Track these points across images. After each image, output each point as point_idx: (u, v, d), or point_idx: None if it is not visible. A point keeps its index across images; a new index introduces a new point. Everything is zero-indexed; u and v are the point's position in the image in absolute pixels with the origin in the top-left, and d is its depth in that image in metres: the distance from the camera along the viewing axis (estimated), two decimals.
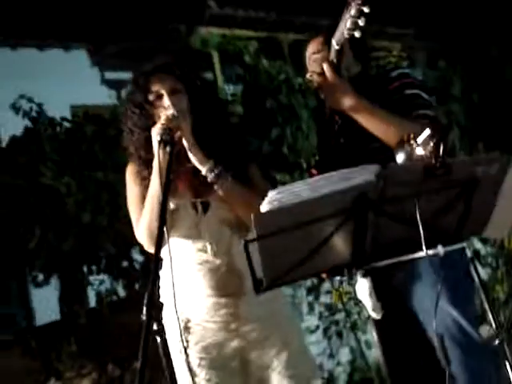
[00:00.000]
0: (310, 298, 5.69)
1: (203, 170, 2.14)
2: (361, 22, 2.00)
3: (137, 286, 5.10)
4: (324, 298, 5.82)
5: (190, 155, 2.15)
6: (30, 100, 5.24)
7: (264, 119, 5.75)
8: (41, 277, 5.13)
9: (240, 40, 6.46)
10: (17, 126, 5.31)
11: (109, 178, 4.59)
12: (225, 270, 2.18)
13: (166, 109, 2.16)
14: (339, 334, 5.72)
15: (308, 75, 2.43)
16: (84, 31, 9.19)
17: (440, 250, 2.09)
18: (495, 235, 2.10)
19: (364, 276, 1.88)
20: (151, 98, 2.19)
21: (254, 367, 2.21)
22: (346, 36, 2.05)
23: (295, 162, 5.77)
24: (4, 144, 5.23)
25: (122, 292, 5.06)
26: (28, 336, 4.61)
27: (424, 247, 1.68)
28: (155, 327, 1.66)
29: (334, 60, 2.17)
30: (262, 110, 5.76)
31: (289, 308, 2.43)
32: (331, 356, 5.64)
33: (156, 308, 1.66)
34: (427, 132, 1.69)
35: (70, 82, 8.71)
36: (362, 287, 1.88)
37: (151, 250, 2.11)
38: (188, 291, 2.20)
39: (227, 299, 2.18)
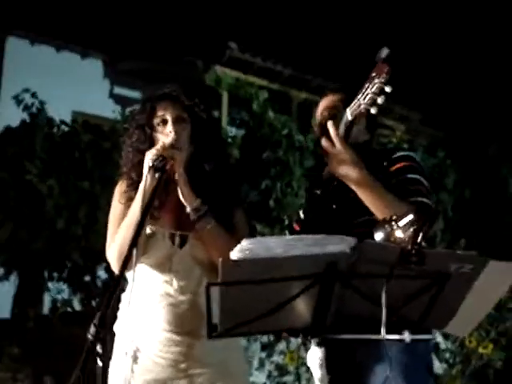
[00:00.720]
0: (263, 355, 5.63)
1: (188, 207, 2.14)
2: (380, 100, 2.02)
3: (94, 303, 5.01)
4: (277, 358, 5.76)
5: (178, 189, 2.15)
6: (34, 95, 5.24)
7: (258, 169, 5.78)
8: (1, 271, 5.05)
9: (252, 87, 6.54)
10: (16, 118, 5.31)
11: (94, 190, 4.57)
12: (186, 308, 2.14)
13: (167, 135, 2.17)
14: None
15: (317, 123, 2.44)
16: (104, 42, 9.29)
17: (407, 336, 2.09)
18: (458, 332, 2.08)
19: (318, 345, 1.85)
20: (155, 122, 2.21)
21: None
22: (363, 110, 2.07)
23: (278, 216, 5.78)
24: None
25: (77, 305, 4.97)
26: None
27: (383, 330, 1.66)
28: (98, 349, 1.62)
29: (343, 128, 2.18)
30: (258, 159, 5.79)
31: (243, 360, 2.37)
32: None
33: (104, 329, 1.63)
34: (410, 217, 1.70)
35: (78, 88, 8.74)
36: (314, 356, 1.85)
37: (117, 270, 2.09)
38: (145, 321, 2.17)
39: (182, 338, 2.14)
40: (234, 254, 1.58)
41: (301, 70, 9.40)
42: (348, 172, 2.09)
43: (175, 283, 2.15)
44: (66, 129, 5.42)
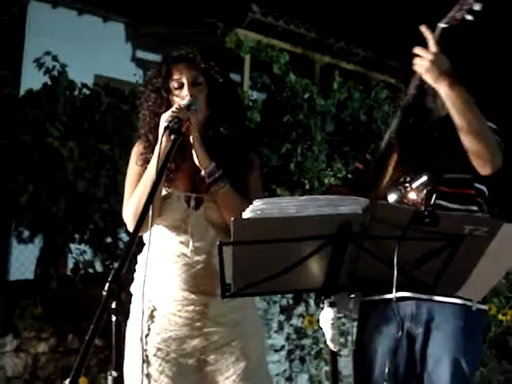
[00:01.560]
0: (282, 318, 5.69)
1: (203, 171, 2.15)
2: (477, 7, 2.00)
3: (115, 265, 5.09)
4: (295, 321, 5.81)
5: (193, 151, 2.15)
6: (55, 58, 5.24)
7: (278, 132, 5.76)
8: (26, 233, 5.13)
9: (273, 50, 6.48)
10: (37, 81, 5.33)
11: (114, 153, 4.60)
12: (201, 268, 2.17)
13: (183, 98, 2.17)
14: (302, 360, 5.71)
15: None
16: (126, 6, 9.24)
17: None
18: (470, 297, 2.09)
19: (331, 305, 1.87)
20: (172, 85, 2.20)
21: (210, 369, 2.20)
22: (459, 17, 2.04)
23: (299, 180, 5.78)
24: (20, 96, 5.24)
25: (99, 267, 5.05)
26: None
27: (394, 291, 1.67)
28: (113, 306, 1.65)
29: (437, 41, 2.14)
30: (279, 122, 5.77)
31: (258, 321, 2.39)
32: (289, 379, 5.63)
33: (119, 287, 1.65)
34: (423, 179, 1.69)
35: (100, 52, 8.74)
36: (326, 316, 1.87)
37: (133, 230, 2.12)
38: (161, 280, 2.20)
39: (197, 296, 2.17)
40: (246, 214, 1.59)
41: (324, 34, 9.27)
42: (441, 77, 2.07)
43: (190, 244, 2.17)
44: (88, 92, 5.44)
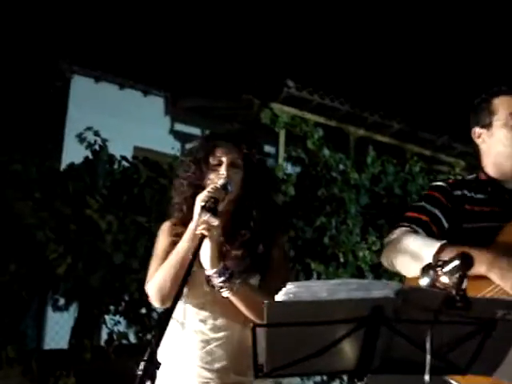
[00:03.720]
0: None
1: (210, 272, 2.15)
2: None
3: (149, 336, 5.10)
4: None
5: (202, 253, 2.12)
6: (96, 133, 5.44)
7: (313, 206, 5.81)
8: (62, 301, 5.20)
9: (307, 124, 6.60)
10: (79, 155, 5.52)
11: (151, 226, 4.69)
12: (218, 346, 2.20)
13: (219, 176, 2.23)
14: None
15: None
16: (165, 80, 9.56)
17: None
18: (505, 378, 2.05)
19: None
20: (212, 161, 2.27)
21: None
22: None
23: (333, 253, 5.78)
24: (62, 169, 5.42)
25: (132, 338, 5.07)
26: (31, 358, 4.64)
27: (427, 376, 1.66)
28: None
29: None
30: (313, 196, 5.83)
31: None
32: None
33: (154, 365, 1.68)
34: (456, 262, 1.70)
35: (140, 124, 9.00)
36: None
37: (156, 304, 2.18)
38: (181, 356, 2.22)
39: (213, 374, 2.18)
40: (279, 297, 1.62)
41: (358, 107, 9.43)
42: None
43: (209, 321, 2.21)
44: (127, 165, 5.59)
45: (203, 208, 2.09)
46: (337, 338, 1.72)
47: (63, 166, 5.70)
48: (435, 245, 2.14)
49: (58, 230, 4.63)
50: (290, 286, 1.60)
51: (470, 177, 2.53)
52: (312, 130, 6.21)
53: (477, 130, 2.48)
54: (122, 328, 5.12)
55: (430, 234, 2.28)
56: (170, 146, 8.36)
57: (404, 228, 2.31)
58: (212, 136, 2.36)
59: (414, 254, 2.16)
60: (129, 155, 6.18)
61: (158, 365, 1.70)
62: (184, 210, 2.27)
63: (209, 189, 2.16)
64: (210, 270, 2.15)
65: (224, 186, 2.19)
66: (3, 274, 4.56)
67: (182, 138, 9.61)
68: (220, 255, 2.18)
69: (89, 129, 5.43)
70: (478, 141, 2.49)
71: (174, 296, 1.87)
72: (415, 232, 2.27)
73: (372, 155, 6.65)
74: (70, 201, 4.74)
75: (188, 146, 6.50)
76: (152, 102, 9.76)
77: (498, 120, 2.40)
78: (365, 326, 1.70)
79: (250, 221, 2.27)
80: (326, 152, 6.17)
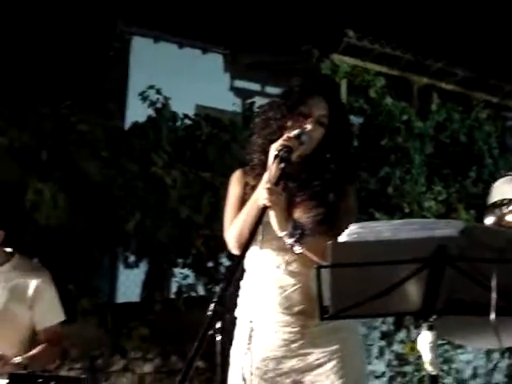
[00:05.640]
0: (383, 343, 5.62)
1: (281, 233, 2.18)
2: None
3: (217, 288, 5.23)
4: (396, 347, 5.72)
5: (274, 211, 2.14)
6: (158, 92, 5.51)
7: (376, 156, 5.74)
8: (132, 259, 5.37)
9: (369, 73, 6.49)
10: (141, 113, 5.61)
11: (214, 181, 4.76)
12: (295, 290, 2.22)
13: (299, 129, 2.21)
14: None
15: None
16: (223, 37, 9.53)
17: None
18: None
19: (430, 329, 1.87)
20: (297, 112, 2.25)
21: None
22: None
23: (398, 204, 5.73)
24: (126, 128, 5.54)
25: (201, 290, 5.20)
26: (105, 310, 4.84)
27: (492, 313, 1.65)
28: (218, 325, 1.73)
29: None
30: (377, 146, 5.76)
31: (358, 344, 2.38)
32: None
33: (223, 307, 1.73)
34: None
35: (200, 82, 9.04)
36: (425, 340, 1.87)
37: (234, 251, 2.23)
38: (259, 303, 2.27)
39: (293, 318, 2.22)
40: (343, 238, 1.64)
41: (421, 55, 9.17)
42: None
43: (284, 267, 2.24)
44: (189, 122, 5.66)
45: (276, 156, 2.11)
46: (401, 279, 1.73)
47: (126, 125, 5.81)
48: None
49: (125, 187, 4.76)
50: (353, 227, 1.62)
51: None
52: (374, 79, 6.10)
53: None
54: (190, 281, 5.25)
55: None
56: (230, 103, 8.37)
57: None
58: (308, 85, 2.31)
59: None
60: (190, 114, 6.23)
61: (228, 307, 1.76)
62: (257, 162, 2.28)
63: (284, 137, 2.17)
64: (280, 233, 2.18)
65: (299, 137, 2.18)
66: (75, 231, 4.73)
67: (242, 94, 9.60)
68: (290, 209, 2.21)
69: (151, 87, 5.50)
70: None
71: (245, 244, 1.92)
72: None
73: (437, 102, 6.49)
74: (135, 158, 4.85)
75: (248, 101, 6.49)
76: (211, 59, 9.76)
77: None
78: (429, 265, 1.70)
79: (326, 173, 2.26)
80: (389, 101, 6.06)
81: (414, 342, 5.39)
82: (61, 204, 4.42)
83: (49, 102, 5.13)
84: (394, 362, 5.61)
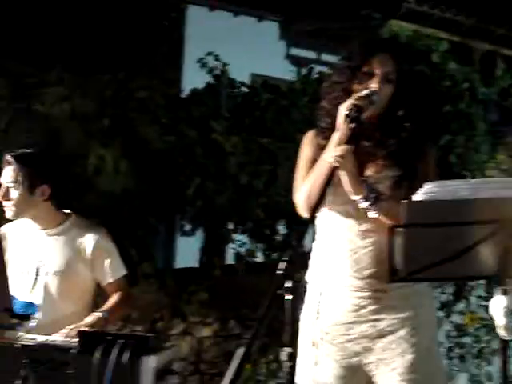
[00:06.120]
0: (441, 314, 5.54)
1: (354, 196, 2.16)
2: None
3: (274, 256, 5.25)
4: (455, 318, 5.65)
5: (342, 173, 2.13)
6: (217, 58, 5.50)
7: (438, 123, 5.60)
8: (188, 227, 5.42)
9: (430, 38, 6.31)
10: (199, 80, 5.62)
11: (273, 147, 4.75)
12: (367, 253, 2.19)
13: (369, 88, 2.18)
14: (462, 358, 5.55)
15: None
16: (279, 4, 9.42)
17: None
18: None
19: (504, 293, 1.82)
20: (363, 71, 2.21)
21: (376, 357, 2.21)
22: None
23: (460, 172, 5.60)
24: (184, 95, 5.56)
25: (259, 256, 5.23)
26: (165, 275, 4.92)
27: None
28: (288, 285, 1.72)
29: None
30: (439, 112, 5.61)
31: (432, 310, 2.37)
32: (448, 377, 5.49)
33: (293, 266, 1.72)
34: None
35: (255, 51, 8.99)
36: (499, 304, 1.83)
37: (304, 214, 2.21)
38: (330, 266, 2.24)
39: (365, 283, 2.19)
40: (418, 197, 1.60)
41: (483, 20, 8.88)
42: None
43: (355, 228, 2.20)
44: (246, 90, 5.64)
45: (347, 116, 2.08)
46: (476, 241, 1.69)
47: (183, 92, 5.82)
48: None
49: (184, 153, 4.80)
50: (428, 186, 1.58)
51: None
52: (437, 43, 5.94)
53: None
54: (248, 247, 5.28)
55: None
56: (285, 72, 8.30)
57: None
58: (369, 44, 2.29)
59: None
60: (246, 82, 6.21)
61: (298, 267, 1.75)
62: (326, 122, 2.26)
63: (353, 97, 2.14)
64: (354, 196, 2.15)
65: (369, 96, 2.15)
66: (136, 197, 4.79)
67: (298, 62, 9.51)
68: (363, 169, 2.19)
69: (209, 54, 5.49)
70: None
71: (314, 206, 1.91)
72: None
73: (502, 68, 6.28)
74: (194, 125, 4.87)
75: (305, 69, 6.42)
76: (266, 27, 9.68)
77: None
78: (507, 227, 1.65)
79: (401, 132, 2.21)
80: (452, 66, 5.88)
81: (474, 313, 5.33)
82: (122, 169, 4.48)
83: (109, 70, 5.18)
84: (453, 333, 5.54)
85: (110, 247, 2.93)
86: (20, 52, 4.94)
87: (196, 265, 5.56)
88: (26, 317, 2.55)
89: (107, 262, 2.89)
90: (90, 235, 2.88)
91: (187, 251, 6.28)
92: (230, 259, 5.50)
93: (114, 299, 2.88)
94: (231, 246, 5.33)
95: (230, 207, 4.89)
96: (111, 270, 2.90)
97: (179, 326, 4.86)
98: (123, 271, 2.96)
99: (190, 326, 4.88)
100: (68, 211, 2.97)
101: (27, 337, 2.40)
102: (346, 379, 2.22)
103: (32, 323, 2.52)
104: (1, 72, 4.63)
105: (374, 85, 2.18)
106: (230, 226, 5.23)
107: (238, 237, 5.28)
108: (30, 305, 2.79)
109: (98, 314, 2.74)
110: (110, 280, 2.90)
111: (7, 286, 2.47)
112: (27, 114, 4.57)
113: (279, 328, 1.81)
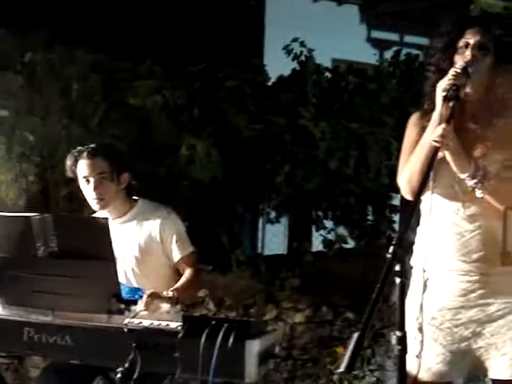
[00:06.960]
0: None
1: (461, 175, 2.11)
2: None
3: (363, 242, 5.22)
4: None
5: (448, 153, 2.08)
6: (302, 44, 5.49)
7: None
8: (273, 214, 5.47)
9: None
10: (285, 67, 5.62)
11: (362, 131, 4.70)
12: (473, 236, 2.14)
13: (466, 58, 2.14)
14: None
15: None
16: None
17: None
18: None
19: None
20: (460, 44, 2.18)
21: (485, 342, 2.16)
22: None
23: None
24: (271, 82, 5.57)
25: (350, 243, 5.21)
26: (258, 261, 4.98)
27: None
28: (397, 268, 1.72)
29: None
30: None
31: None
32: None
33: (402, 250, 1.71)
34: None
35: (336, 35, 8.90)
36: None
37: (407, 196, 2.18)
38: (435, 251, 2.20)
39: (472, 266, 2.14)
40: None
41: None
42: None
43: (462, 212, 2.15)
44: (330, 75, 5.60)
45: (445, 98, 2.05)
46: None
47: (269, 79, 5.84)
48: None
49: (273, 141, 4.82)
50: None
51: None
52: None
53: None
54: (339, 233, 5.27)
55: None
56: (368, 55, 8.18)
57: None
58: (462, 19, 2.27)
59: None
60: (328, 67, 6.16)
61: (407, 249, 1.73)
62: (427, 103, 2.22)
63: (449, 75, 2.09)
64: (461, 174, 2.11)
65: (464, 69, 2.09)
66: (226, 186, 4.86)
67: (379, 45, 9.35)
68: (469, 148, 2.13)
69: (295, 40, 5.49)
70: None
71: (418, 188, 1.89)
72: None
73: None
74: (282, 112, 4.89)
75: (391, 51, 6.29)
76: (347, 11, 9.55)
77: None
78: None
79: (508, 109, 2.15)
80: None
81: None
82: (214, 159, 4.56)
83: (196, 61, 5.27)
84: None
85: (175, 225, 3.00)
86: (111, 48, 5.09)
87: (282, 251, 5.60)
88: (132, 302, 2.65)
89: (174, 239, 2.96)
90: (156, 216, 2.97)
91: (272, 238, 6.33)
92: (315, 246, 5.50)
93: (185, 277, 2.95)
94: (319, 232, 5.33)
95: (319, 193, 4.89)
96: (179, 247, 2.97)
97: (272, 312, 4.90)
98: (190, 248, 3.01)
99: (283, 311, 4.92)
100: (135, 198, 3.05)
101: (133, 321, 2.46)
102: (454, 364, 2.19)
103: (138, 307, 2.60)
104: (94, 68, 4.79)
105: (469, 55, 2.13)
106: (319, 212, 5.23)
107: (326, 223, 5.28)
108: (136, 290, 2.89)
109: (166, 294, 2.76)
110: (180, 256, 2.97)
111: (116, 274, 2.56)
112: (120, 107, 4.71)
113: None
